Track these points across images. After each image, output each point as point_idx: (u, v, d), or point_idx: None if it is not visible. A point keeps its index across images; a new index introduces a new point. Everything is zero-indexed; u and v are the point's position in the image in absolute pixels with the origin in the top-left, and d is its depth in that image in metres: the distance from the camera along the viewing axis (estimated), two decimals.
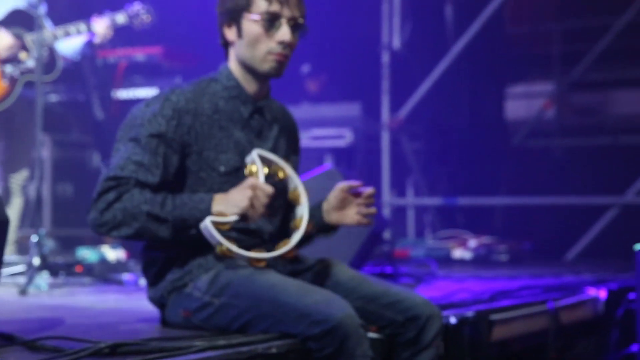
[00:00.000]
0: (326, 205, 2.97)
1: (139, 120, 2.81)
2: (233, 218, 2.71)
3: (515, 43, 9.34)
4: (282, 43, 2.86)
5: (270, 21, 2.85)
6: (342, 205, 2.93)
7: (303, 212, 2.86)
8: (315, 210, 2.97)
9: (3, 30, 5.22)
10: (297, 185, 2.89)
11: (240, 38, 2.89)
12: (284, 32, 2.86)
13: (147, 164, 2.75)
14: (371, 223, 2.95)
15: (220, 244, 2.68)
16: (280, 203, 2.95)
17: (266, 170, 2.80)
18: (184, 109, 2.83)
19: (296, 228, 2.84)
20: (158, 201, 2.72)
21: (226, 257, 2.77)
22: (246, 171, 2.78)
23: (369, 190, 2.91)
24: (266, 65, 2.88)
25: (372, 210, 2.92)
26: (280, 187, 2.90)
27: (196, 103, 2.86)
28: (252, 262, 2.78)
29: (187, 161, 2.84)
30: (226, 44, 2.97)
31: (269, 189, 2.72)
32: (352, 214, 2.92)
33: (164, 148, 2.79)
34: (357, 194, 2.92)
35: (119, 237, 2.74)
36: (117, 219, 2.70)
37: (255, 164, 2.78)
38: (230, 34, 2.92)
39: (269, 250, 2.82)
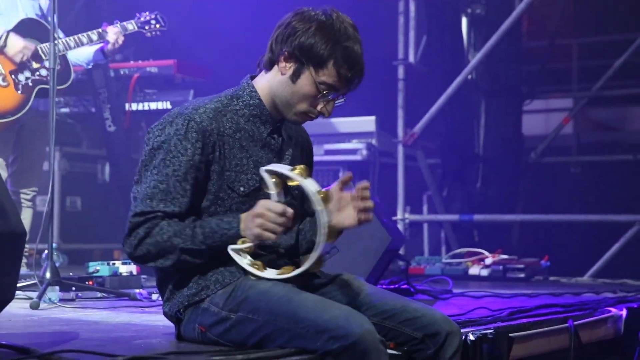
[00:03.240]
0: None
1: (164, 145, 2.76)
2: (250, 245, 2.72)
3: (532, 58, 9.26)
4: (321, 114, 2.86)
5: (327, 92, 2.82)
6: (339, 207, 2.77)
7: (316, 248, 2.70)
8: (314, 222, 2.85)
9: (15, 35, 5.14)
10: (313, 201, 2.69)
11: (290, 81, 2.83)
12: (329, 109, 2.86)
13: (174, 191, 2.74)
14: (371, 219, 2.77)
15: (246, 271, 2.73)
16: (298, 213, 2.87)
17: (279, 185, 2.74)
18: (208, 130, 2.79)
19: (305, 260, 2.76)
20: (188, 234, 2.73)
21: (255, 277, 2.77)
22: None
23: (362, 183, 2.77)
24: (294, 118, 2.89)
25: (370, 203, 2.75)
26: (298, 196, 2.87)
27: (218, 122, 2.82)
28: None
29: (208, 181, 2.81)
30: (268, 64, 2.88)
31: (279, 208, 2.68)
32: (350, 214, 2.75)
33: (193, 172, 2.77)
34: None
35: (156, 267, 2.79)
36: (152, 253, 2.74)
37: (266, 182, 2.74)
38: (283, 67, 2.84)
39: (283, 263, 2.82)
